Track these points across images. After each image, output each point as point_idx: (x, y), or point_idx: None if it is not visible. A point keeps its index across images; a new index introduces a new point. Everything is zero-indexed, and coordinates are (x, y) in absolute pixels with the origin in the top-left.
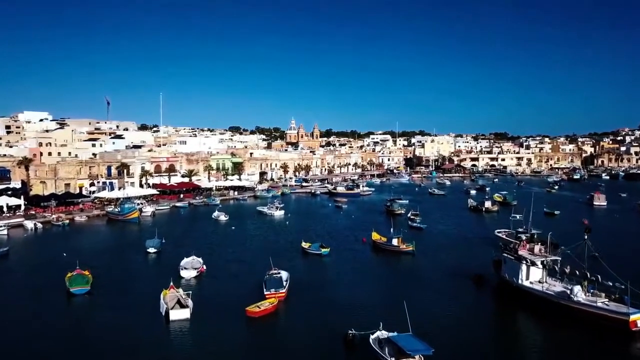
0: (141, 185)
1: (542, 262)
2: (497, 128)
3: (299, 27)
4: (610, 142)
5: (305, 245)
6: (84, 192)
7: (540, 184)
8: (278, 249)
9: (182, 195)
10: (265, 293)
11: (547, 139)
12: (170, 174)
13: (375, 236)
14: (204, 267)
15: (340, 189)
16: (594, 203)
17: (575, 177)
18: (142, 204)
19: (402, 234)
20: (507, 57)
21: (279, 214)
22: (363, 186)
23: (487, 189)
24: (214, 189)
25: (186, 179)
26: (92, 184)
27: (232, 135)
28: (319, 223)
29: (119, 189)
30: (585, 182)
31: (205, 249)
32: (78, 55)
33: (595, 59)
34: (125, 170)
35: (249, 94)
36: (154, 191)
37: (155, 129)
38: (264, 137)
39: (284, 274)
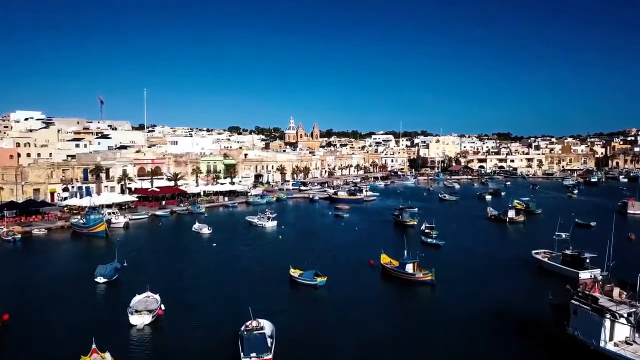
0: (122, 191)
1: (630, 315)
2: (499, 128)
3: (299, 27)
4: (621, 143)
5: (294, 272)
6: (57, 199)
7: (556, 188)
8: (264, 276)
9: (164, 202)
10: None
11: (553, 139)
12: (154, 177)
13: (384, 259)
14: (162, 308)
15: (342, 194)
16: (629, 211)
17: (592, 180)
18: (113, 213)
19: (418, 258)
20: (507, 57)
21: (270, 225)
22: (366, 190)
23: (502, 193)
24: (201, 194)
25: (171, 183)
26: (65, 189)
27: (229, 136)
28: (317, 238)
29: (98, 194)
30: (603, 186)
31: (172, 278)
32: (77, 54)
33: (597, 59)
34: (101, 174)
35: (249, 94)
36: (131, 197)
37: (150, 128)
38: (263, 137)
39: (268, 327)
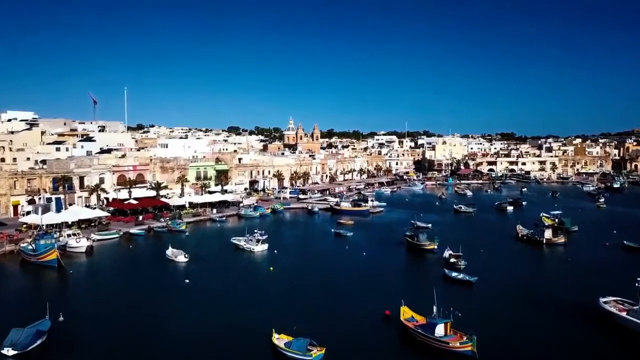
0: (99, 202)
1: None
2: (502, 128)
3: (299, 26)
4: (635, 144)
5: (279, 339)
6: (20, 213)
7: (577, 195)
8: (241, 341)
9: (141, 217)
10: None
11: (562, 139)
12: (134, 186)
13: (405, 313)
14: None
15: (345, 205)
16: None
17: (615, 185)
18: (74, 234)
19: (452, 316)
20: (507, 57)
21: (260, 249)
22: (372, 200)
23: (524, 203)
24: (186, 206)
25: (154, 193)
26: (31, 202)
27: (227, 137)
28: (315, 270)
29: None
30: (627, 192)
31: (111, 347)
32: (75, 54)
33: (598, 59)
34: (73, 184)
35: (249, 94)
36: (101, 213)
37: (146, 129)
38: (262, 137)
39: None
